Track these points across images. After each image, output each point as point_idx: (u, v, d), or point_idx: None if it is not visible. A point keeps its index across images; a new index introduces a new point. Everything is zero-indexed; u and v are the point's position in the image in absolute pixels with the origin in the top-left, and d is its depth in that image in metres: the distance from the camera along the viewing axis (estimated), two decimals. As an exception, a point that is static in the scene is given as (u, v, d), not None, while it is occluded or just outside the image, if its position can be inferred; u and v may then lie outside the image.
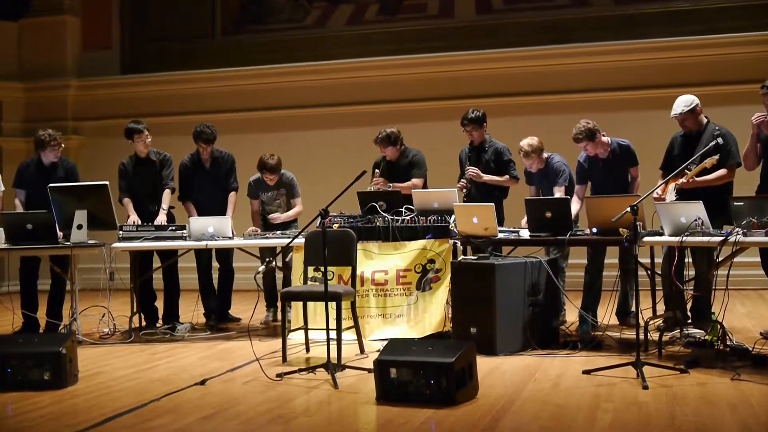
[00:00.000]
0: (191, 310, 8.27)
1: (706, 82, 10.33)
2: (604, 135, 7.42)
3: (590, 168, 7.59)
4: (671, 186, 6.83)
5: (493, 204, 7.04)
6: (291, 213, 8.49)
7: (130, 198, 8.21)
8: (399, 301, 7.36)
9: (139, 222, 7.95)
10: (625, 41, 11.09)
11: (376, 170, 8.22)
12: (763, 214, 5.76)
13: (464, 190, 8.01)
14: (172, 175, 8.32)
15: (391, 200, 7.67)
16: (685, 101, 6.92)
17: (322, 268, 6.06)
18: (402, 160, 8.33)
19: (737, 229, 5.80)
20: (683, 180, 6.72)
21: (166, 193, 8.22)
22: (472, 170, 7.96)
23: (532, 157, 7.69)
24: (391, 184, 8.10)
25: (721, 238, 5.77)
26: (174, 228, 7.77)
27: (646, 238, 6.32)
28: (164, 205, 8.16)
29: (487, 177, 7.97)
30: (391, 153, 8.25)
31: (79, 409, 5.14)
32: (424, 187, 8.23)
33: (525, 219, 7.42)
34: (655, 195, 6.63)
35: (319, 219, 6.03)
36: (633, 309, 7.28)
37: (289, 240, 7.04)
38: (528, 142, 7.71)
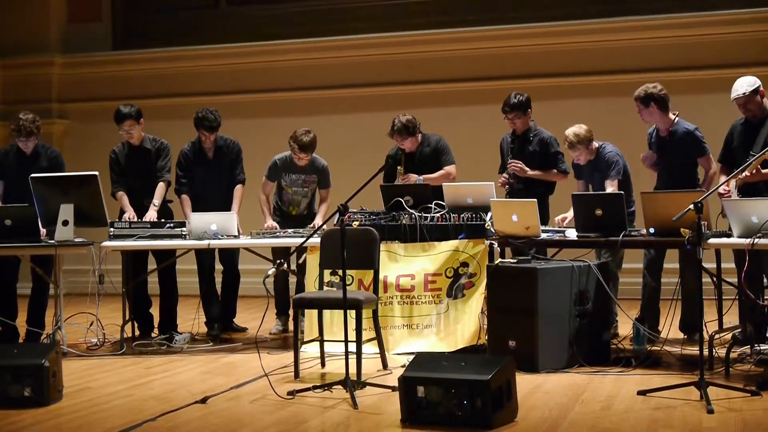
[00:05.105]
0: (191, 319, 8.30)
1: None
2: (675, 113, 7.44)
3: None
4: (733, 181, 6.81)
5: (535, 200, 7.04)
6: (324, 210, 8.48)
7: (124, 191, 8.27)
8: (427, 310, 7.39)
9: (135, 218, 8.00)
10: (693, 13, 10.98)
11: (399, 167, 8.23)
12: None
13: (506, 186, 8.03)
14: (168, 166, 8.35)
15: (419, 195, 7.69)
16: (747, 81, 6.92)
17: (340, 272, 6.09)
18: (423, 149, 8.35)
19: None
20: (746, 173, 6.68)
21: (161, 185, 8.25)
22: (515, 164, 7.96)
23: (579, 148, 7.69)
24: (421, 177, 8.12)
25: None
26: (172, 225, 7.80)
27: (711, 240, 6.32)
28: (156, 200, 8.17)
29: (532, 172, 7.97)
30: (410, 144, 8.27)
31: (64, 430, 5.20)
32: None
33: (562, 216, 7.45)
34: (721, 191, 6.62)
35: (337, 216, 6.05)
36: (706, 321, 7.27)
37: (303, 239, 7.08)
38: (574, 131, 7.70)
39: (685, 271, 7.26)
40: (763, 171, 6.69)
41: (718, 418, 5.11)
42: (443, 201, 7.66)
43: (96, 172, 7.67)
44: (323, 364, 6.85)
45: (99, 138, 11.28)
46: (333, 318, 7.27)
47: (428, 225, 7.49)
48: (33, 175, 7.67)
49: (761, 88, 6.91)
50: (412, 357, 5.65)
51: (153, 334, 8.23)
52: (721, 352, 6.49)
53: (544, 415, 5.29)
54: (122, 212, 8.18)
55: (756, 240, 5.95)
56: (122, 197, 8.24)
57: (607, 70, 11.16)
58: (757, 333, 6.62)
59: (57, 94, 13.11)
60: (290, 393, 5.84)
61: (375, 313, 6.69)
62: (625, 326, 7.55)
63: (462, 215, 7.46)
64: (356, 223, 7.42)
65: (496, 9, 11.82)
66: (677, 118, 7.50)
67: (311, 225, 8.22)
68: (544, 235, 7.04)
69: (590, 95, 11.07)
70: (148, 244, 7.81)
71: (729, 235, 6.31)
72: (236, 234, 7.82)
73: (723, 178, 6.89)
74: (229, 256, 8.49)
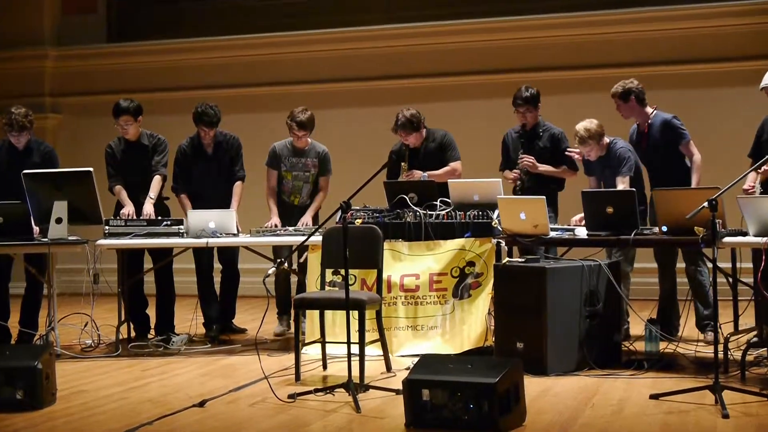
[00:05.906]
0: (189, 319, 8.30)
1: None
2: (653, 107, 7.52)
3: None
4: (758, 178, 6.79)
5: (543, 197, 7.01)
6: (318, 202, 8.47)
7: (122, 186, 8.24)
8: (432, 311, 7.37)
9: (134, 212, 8.00)
10: (712, 3, 10.93)
11: (403, 163, 8.21)
12: None
13: (517, 183, 8.00)
14: (164, 162, 8.35)
15: (424, 192, 7.67)
16: None
17: (342, 271, 6.07)
18: (428, 144, 8.34)
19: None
20: (765, 167, 6.65)
21: (156, 179, 8.25)
22: (527, 159, 7.93)
23: (590, 143, 7.67)
24: (425, 173, 8.10)
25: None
26: (169, 223, 7.79)
27: (726, 239, 6.28)
28: (152, 193, 8.17)
29: (543, 167, 7.95)
30: (414, 139, 8.25)
31: (58, 434, 5.20)
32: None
33: (577, 217, 7.42)
34: (746, 186, 6.60)
35: (339, 213, 6.04)
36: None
37: (304, 238, 7.06)
38: (585, 125, 7.68)
39: (689, 270, 7.31)
40: None
41: (734, 424, 5.09)
42: (449, 198, 7.64)
43: (91, 169, 7.63)
44: (325, 367, 6.84)
45: (93, 133, 11.27)
46: (335, 319, 7.26)
47: (433, 223, 7.47)
48: (25, 171, 7.66)
49: None
50: (416, 359, 5.63)
51: (149, 336, 8.23)
52: (737, 354, 6.46)
53: (553, 419, 5.27)
54: (118, 207, 8.17)
55: (772, 238, 5.93)
56: (120, 192, 8.24)
57: (614, 63, 11.11)
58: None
59: (50, 88, 13.09)
60: (291, 396, 5.83)
61: (378, 313, 6.67)
62: (637, 327, 7.53)
63: (468, 213, 7.44)
64: (359, 221, 7.40)
65: (502, 0, 11.79)
66: (655, 111, 7.54)
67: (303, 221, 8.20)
68: (553, 234, 7.02)
69: (596, 89, 10.98)
70: (145, 243, 7.79)
71: (745, 234, 6.28)
72: (235, 232, 7.80)
73: (751, 174, 6.88)
74: (228, 254, 8.48)
